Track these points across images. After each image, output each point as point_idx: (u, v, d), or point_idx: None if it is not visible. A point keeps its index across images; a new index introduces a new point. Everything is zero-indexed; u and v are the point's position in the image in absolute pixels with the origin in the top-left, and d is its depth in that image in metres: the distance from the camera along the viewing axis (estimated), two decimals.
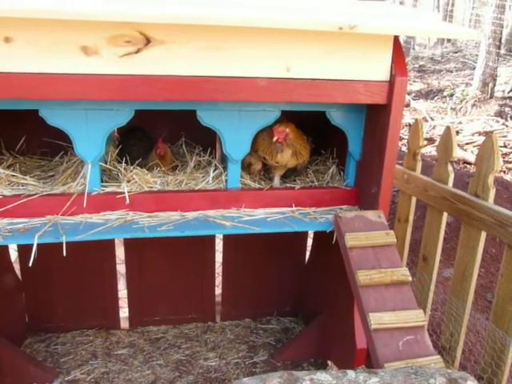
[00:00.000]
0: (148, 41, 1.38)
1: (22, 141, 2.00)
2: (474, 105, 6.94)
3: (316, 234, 2.47)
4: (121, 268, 2.45)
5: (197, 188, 1.75)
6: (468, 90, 7.51)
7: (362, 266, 1.47)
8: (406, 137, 4.70)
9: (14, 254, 2.35)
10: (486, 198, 1.79)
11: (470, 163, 4.66)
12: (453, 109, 7.06)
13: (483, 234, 1.81)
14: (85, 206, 1.61)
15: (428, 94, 8.11)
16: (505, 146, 5.16)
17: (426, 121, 6.32)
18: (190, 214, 1.68)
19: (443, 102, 7.53)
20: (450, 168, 1.97)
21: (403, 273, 1.46)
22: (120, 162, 1.79)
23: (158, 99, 1.46)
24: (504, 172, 4.50)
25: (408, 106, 7.15)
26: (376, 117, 1.65)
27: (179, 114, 1.62)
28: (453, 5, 13.42)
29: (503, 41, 8.49)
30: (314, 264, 2.49)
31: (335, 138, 1.93)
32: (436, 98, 7.87)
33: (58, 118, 1.52)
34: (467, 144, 5.37)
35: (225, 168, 1.81)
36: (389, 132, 1.58)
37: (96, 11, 1.25)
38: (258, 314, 2.63)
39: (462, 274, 1.91)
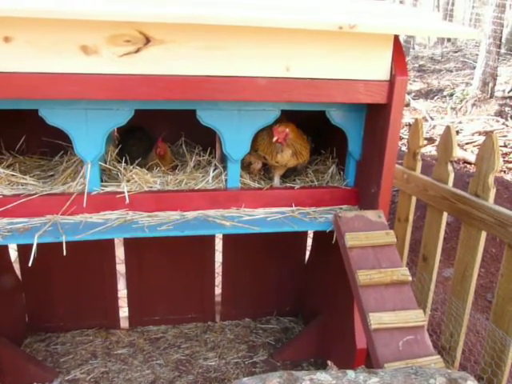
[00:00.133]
0: (148, 40, 1.38)
1: (21, 140, 1.99)
2: (474, 104, 6.94)
3: (316, 233, 2.47)
4: (120, 268, 2.45)
5: (196, 188, 1.75)
6: (468, 89, 7.51)
7: (361, 265, 1.47)
8: (406, 136, 4.70)
9: (13, 254, 2.35)
10: (487, 198, 1.79)
11: (470, 163, 4.66)
12: (453, 108, 7.05)
13: (483, 234, 1.81)
14: (84, 205, 1.61)
15: (428, 94, 8.11)
16: (505, 146, 5.16)
17: (426, 120, 6.32)
18: (190, 214, 1.68)
19: (443, 102, 7.52)
20: (450, 168, 1.97)
21: (403, 273, 1.45)
22: (120, 162, 1.79)
23: (158, 99, 1.46)
24: (504, 172, 4.50)
25: (408, 105, 7.15)
26: (376, 116, 1.65)
27: (179, 113, 1.62)
28: (453, 4, 13.41)
29: (503, 40, 8.48)
30: (313, 264, 2.49)
31: (335, 137, 1.93)
32: (436, 97, 7.87)
33: (57, 117, 1.52)
34: (467, 144, 5.37)
35: (224, 168, 1.81)
36: (389, 132, 1.58)
37: (96, 11, 1.25)
38: (258, 314, 2.63)
39: (462, 274, 1.91)
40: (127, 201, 1.63)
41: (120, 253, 2.40)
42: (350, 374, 1.08)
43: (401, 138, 5.13)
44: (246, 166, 1.90)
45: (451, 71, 9.70)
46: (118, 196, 1.63)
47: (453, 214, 1.96)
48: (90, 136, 1.56)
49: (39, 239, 1.49)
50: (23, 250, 2.20)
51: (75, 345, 2.36)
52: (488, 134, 1.79)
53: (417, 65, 10.39)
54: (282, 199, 1.77)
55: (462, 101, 7.14)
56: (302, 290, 2.58)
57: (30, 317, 2.41)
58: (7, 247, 2.24)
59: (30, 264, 1.49)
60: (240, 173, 1.77)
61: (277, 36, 1.43)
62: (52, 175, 1.84)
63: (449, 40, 12.85)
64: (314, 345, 2.29)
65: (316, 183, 1.91)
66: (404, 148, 4.64)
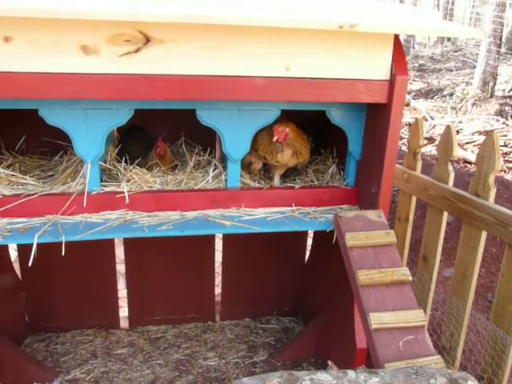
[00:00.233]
0: (147, 40, 1.37)
1: (21, 140, 1.99)
2: (474, 104, 6.93)
3: (316, 233, 2.46)
4: (120, 268, 2.45)
5: (196, 187, 1.75)
6: (468, 89, 7.50)
7: (362, 265, 1.47)
8: (406, 136, 4.70)
9: (13, 254, 2.35)
10: (487, 198, 1.79)
11: (470, 162, 4.66)
12: (453, 108, 7.05)
13: (484, 234, 1.81)
14: (84, 205, 1.61)
15: (428, 93, 8.10)
16: (505, 146, 5.16)
17: (426, 120, 6.32)
18: (190, 214, 1.68)
19: (443, 101, 7.52)
20: (450, 167, 1.97)
21: (403, 272, 1.45)
22: (119, 162, 1.79)
23: (158, 98, 1.46)
24: (504, 171, 4.50)
25: (408, 105, 7.14)
26: (376, 116, 1.65)
27: (179, 113, 1.62)
28: (453, 3, 13.40)
29: (504, 39, 8.47)
30: (313, 264, 2.49)
31: (335, 137, 1.93)
32: (436, 97, 7.86)
33: (57, 117, 1.52)
34: (467, 143, 5.37)
35: (224, 167, 1.80)
36: (389, 131, 1.57)
37: (95, 10, 1.25)
38: (258, 314, 2.62)
39: (463, 274, 1.91)
40: (127, 201, 1.63)
41: (120, 252, 2.40)
42: (351, 374, 1.08)
43: (401, 138, 5.12)
44: (246, 165, 1.90)
45: (451, 71, 9.70)
46: (118, 196, 1.63)
47: (453, 214, 1.96)
48: (89, 136, 1.56)
49: (39, 239, 1.49)
50: (23, 249, 2.20)
51: (75, 345, 2.35)
52: (488, 134, 1.78)
53: (417, 64, 10.39)
54: (282, 199, 1.77)
55: (462, 100, 7.14)
56: (302, 289, 2.58)
57: (30, 316, 2.40)
58: (7, 247, 2.24)
59: (30, 264, 1.49)
60: (240, 172, 1.77)
61: (277, 35, 1.42)
62: (52, 175, 1.84)
63: (449, 39, 12.85)
64: (314, 345, 2.29)
65: (316, 183, 1.91)
66: (404, 148, 4.64)
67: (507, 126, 5.91)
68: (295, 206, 1.77)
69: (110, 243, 2.31)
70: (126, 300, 2.47)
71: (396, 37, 1.54)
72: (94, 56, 1.37)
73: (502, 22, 7.09)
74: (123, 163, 1.76)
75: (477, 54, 8.92)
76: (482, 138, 5.32)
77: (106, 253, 2.33)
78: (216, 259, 2.50)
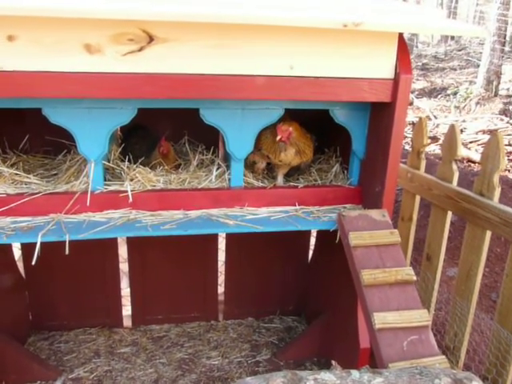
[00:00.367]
0: (151, 39, 1.37)
1: (25, 139, 1.99)
2: (477, 103, 6.91)
3: (319, 232, 2.46)
4: (123, 266, 2.45)
5: (200, 187, 1.75)
6: (472, 87, 7.47)
7: (365, 265, 1.46)
8: (409, 135, 4.68)
9: (17, 253, 2.35)
10: (491, 197, 1.78)
11: (473, 162, 4.64)
12: (456, 107, 7.03)
13: (488, 234, 1.80)
14: (88, 204, 1.61)
15: (431, 93, 8.08)
16: (509, 145, 5.14)
17: (430, 119, 6.29)
18: (193, 213, 1.67)
19: (447, 101, 7.50)
20: (454, 166, 1.96)
21: (407, 272, 1.45)
22: (123, 161, 1.79)
23: (161, 97, 1.46)
24: (509, 171, 4.48)
25: (411, 104, 7.12)
26: (380, 115, 1.64)
27: (182, 112, 1.62)
28: (457, 1, 13.34)
29: (508, 38, 8.44)
30: (317, 263, 2.48)
31: (339, 136, 1.92)
32: (439, 96, 7.84)
33: (61, 116, 1.52)
34: (471, 142, 5.35)
35: (228, 166, 1.80)
36: (393, 130, 1.57)
37: (99, 9, 1.25)
38: (261, 313, 2.62)
39: (467, 274, 1.90)
40: (130, 200, 1.63)
41: (123, 251, 2.41)
42: (355, 373, 1.08)
43: (404, 137, 5.10)
44: (249, 165, 1.89)
45: (455, 69, 9.67)
46: (122, 195, 1.63)
47: (457, 214, 1.95)
48: (93, 135, 1.56)
49: (43, 238, 1.49)
50: (27, 248, 2.21)
51: (78, 343, 2.36)
52: (493, 133, 1.77)
53: (420, 63, 10.36)
54: (286, 198, 1.77)
55: (465, 99, 7.11)
56: (305, 289, 2.57)
57: (33, 315, 2.41)
58: (11, 246, 2.24)
59: (33, 263, 1.49)
60: (243, 172, 1.76)
61: (281, 34, 1.42)
62: (55, 174, 1.84)
63: (452, 38, 12.80)
64: (317, 344, 2.29)
65: (319, 182, 1.90)
66: (407, 147, 4.62)
67: (511, 125, 5.88)
68: (299, 205, 1.76)
69: (113, 242, 2.31)
70: (129, 299, 2.47)
71: (400, 35, 1.53)
72: (97, 55, 1.36)
73: (507, 21, 7.06)
74: (126, 162, 1.76)
75: (481, 53, 8.88)
76: (485, 137, 5.30)
77: (109, 252, 2.33)
78: (219, 258, 2.50)
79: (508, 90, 7.42)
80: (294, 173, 1.97)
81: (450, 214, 1.99)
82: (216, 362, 2.28)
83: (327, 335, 2.23)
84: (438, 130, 5.89)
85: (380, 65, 1.53)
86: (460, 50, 11.80)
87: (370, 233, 1.55)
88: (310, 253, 2.58)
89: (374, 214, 1.63)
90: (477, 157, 4.54)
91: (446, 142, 1.97)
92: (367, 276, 1.42)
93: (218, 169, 1.82)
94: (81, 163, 1.81)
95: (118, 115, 1.56)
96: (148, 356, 2.30)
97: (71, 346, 2.34)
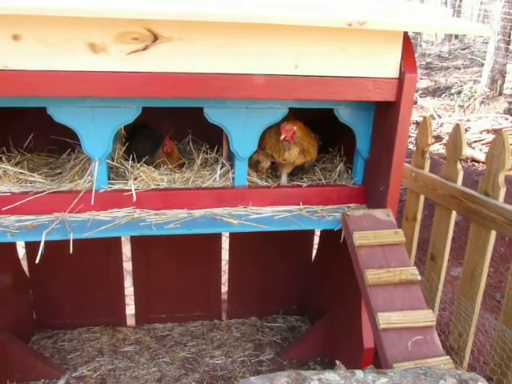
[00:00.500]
0: (155, 38, 1.37)
1: (29, 138, 2.00)
2: (482, 102, 6.87)
3: (322, 232, 2.45)
4: (127, 265, 2.45)
5: (204, 186, 1.75)
6: (476, 87, 7.44)
7: (370, 264, 1.46)
8: (413, 135, 4.67)
9: (21, 251, 2.36)
10: (497, 197, 1.77)
11: (478, 161, 4.62)
12: (460, 106, 7.00)
13: (493, 233, 1.79)
14: (92, 203, 1.61)
15: (435, 92, 8.04)
16: None
17: (434, 118, 6.27)
18: (197, 212, 1.67)
19: (451, 100, 7.46)
20: (459, 166, 1.95)
21: (412, 272, 1.44)
22: (127, 160, 1.79)
23: (166, 96, 1.46)
24: None
25: (415, 103, 7.10)
26: (385, 114, 1.63)
27: (186, 111, 1.62)
28: (461, 0, 13.28)
29: None
30: (320, 262, 2.48)
31: (343, 135, 1.91)
32: (443, 95, 7.80)
33: (65, 115, 1.52)
34: (475, 142, 5.33)
35: (232, 166, 1.80)
36: (398, 129, 1.56)
37: (104, 8, 1.25)
38: (264, 313, 2.62)
39: (471, 274, 1.89)
40: (134, 199, 1.63)
41: (127, 250, 2.41)
42: (359, 373, 1.08)
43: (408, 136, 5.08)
44: (254, 164, 1.89)
45: (459, 68, 9.62)
46: (126, 194, 1.63)
47: (462, 213, 1.94)
48: (97, 134, 1.56)
49: (47, 237, 1.50)
50: (31, 247, 2.22)
51: (82, 342, 2.37)
52: (498, 132, 1.76)
53: (424, 62, 10.32)
54: (290, 197, 1.76)
55: (469, 98, 7.08)
56: (308, 288, 2.57)
57: (37, 314, 2.42)
58: (15, 244, 2.25)
59: (37, 261, 1.49)
60: (247, 171, 1.76)
61: (285, 33, 1.42)
62: (60, 173, 1.84)
63: (456, 37, 12.75)
64: (321, 344, 2.29)
65: (324, 181, 1.90)
66: (411, 146, 4.61)
67: None
68: (303, 204, 1.76)
69: (116, 241, 2.31)
70: (132, 298, 2.48)
71: (405, 34, 1.52)
72: (102, 54, 1.36)
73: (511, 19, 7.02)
74: (130, 161, 1.77)
75: (485, 52, 8.84)
76: (490, 137, 5.27)
77: (112, 250, 2.34)
78: (222, 257, 2.50)
79: None
80: (297, 172, 1.97)
81: (454, 213, 1.98)
82: (219, 361, 2.28)
83: (331, 335, 2.22)
84: (442, 129, 5.87)
85: (385, 64, 1.53)
86: (464, 49, 11.75)
87: (375, 232, 1.54)
88: (314, 252, 2.58)
89: (379, 213, 1.62)
90: (481, 156, 4.52)
91: (450, 142, 1.97)
92: (371, 276, 1.41)
93: (221, 168, 1.82)
94: (85, 162, 1.81)
95: (122, 114, 1.56)
96: (151, 355, 2.31)
97: (75, 345, 2.35)
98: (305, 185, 1.82)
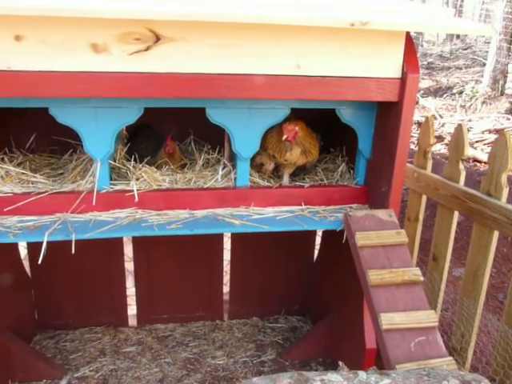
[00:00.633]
0: (157, 38, 1.37)
1: (31, 139, 2.00)
2: (483, 102, 6.86)
3: (324, 232, 2.45)
4: (129, 266, 2.45)
5: (206, 186, 1.74)
6: (478, 87, 7.42)
7: (372, 265, 1.45)
8: (415, 135, 4.66)
9: (23, 252, 2.36)
10: (499, 197, 1.76)
11: (480, 161, 4.61)
12: (462, 106, 6.99)
13: (496, 234, 1.78)
14: (94, 203, 1.61)
15: (437, 92, 8.03)
16: None
17: (435, 118, 6.26)
18: (199, 213, 1.67)
19: (452, 100, 7.45)
20: (461, 166, 1.94)
21: (414, 272, 1.44)
22: (129, 160, 1.79)
23: (168, 97, 1.46)
24: None
25: (417, 103, 7.09)
26: (387, 114, 1.63)
27: (188, 111, 1.61)
28: (462, 0, 13.26)
29: None
30: (322, 263, 2.48)
31: (344, 135, 1.91)
32: (445, 95, 7.79)
33: (67, 115, 1.52)
34: (477, 142, 5.32)
35: (234, 166, 1.80)
36: (400, 130, 1.56)
37: (106, 9, 1.25)
38: (266, 313, 2.62)
39: (474, 274, 1.88)
40: (136, 199, 1.63)
41: (128, 251, 2.41)
42: (362, 374, 1.07)
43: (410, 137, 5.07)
44: (257, 166, 1.89)
45: (460, 68, 9.61)
46: (128, 194, 1.63)
47: (464, 214, 1.94)
48: (99, 134, 1.56)
49: (49, 237, 1.50)
50: (33, 247, 2.22)
51: (84, 342, 2.37)
52: (501, 132, 1.76)
53: (425, 62, 10.30)
54: (292, 198, 1.76)
55: (471, 98, 7.07)
56: (310, 289, 2.57)
57: (39, 314, 2.42)
58: (17, 245, 2.25)
59: (39, 262, 1.49)
60: (249, 171, 1.76)
61: (288, 33, 1.41)
62: (62, 173, 1.84)
63: (458, 37, 12.72)
64: (323, 344, 2.28)
65: (326, 182, 1.89)
66: (413, 146, 4.60)
67: None
68: (305, 204, 1.75)
69: (118, 241, 2.31)
70: (134, 298, 2.48)
71: (407, 34, 1.52)
72: (104, 54, 1.36)
73: None
74: (132, 162, 1.77)
75: (486, 52, 8.82)
76: (491, 137, 5.26)
77: (114, 251, 2.34)
78: (224, 258, 2.50)
79: None
80: (299, 172, 1.96)
81: (456, 213, 1.98)
82: (221, 362, 2.28)
83: (333, 335, 2.22)
84: (444, 129, 5.86)
85: (387, 64, 1.52)
86: (466, 49, 11.73)
87: (377, 233, 1.54)
88: (316, 252, 2.57)
89: (381, 213, 1.62)
90: (483, 156, 4.51)
91: (453, 142, 1.96)
92: (374, 276, 1.41)
93: (223, 168, 1.82)
94: (87, 162, 1.81)
95: (124, 114, 1.56)
96: (153, 355, 2.31)
97: (77, 345, 2.35)
98: (307, 185, 1.82)
